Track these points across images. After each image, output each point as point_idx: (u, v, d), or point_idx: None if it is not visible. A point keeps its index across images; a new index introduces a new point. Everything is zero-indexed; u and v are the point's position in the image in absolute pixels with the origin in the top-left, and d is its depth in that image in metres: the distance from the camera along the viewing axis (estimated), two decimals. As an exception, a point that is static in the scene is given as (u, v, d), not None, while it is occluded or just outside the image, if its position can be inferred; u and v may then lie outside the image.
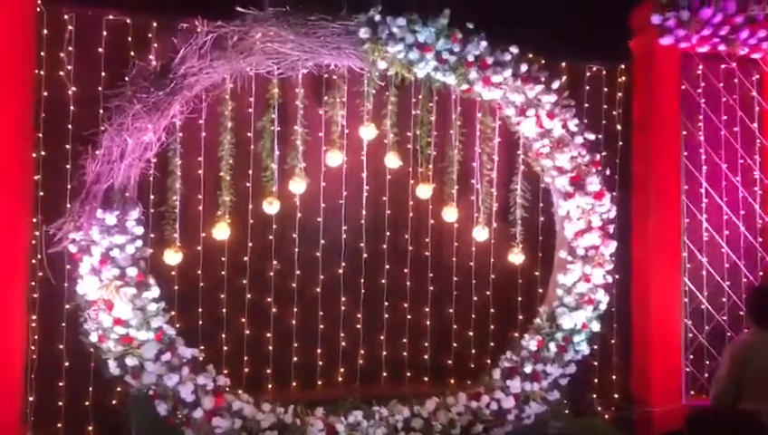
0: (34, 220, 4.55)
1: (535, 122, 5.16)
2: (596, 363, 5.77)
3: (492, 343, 5.60)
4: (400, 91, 5.27)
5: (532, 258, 5.66)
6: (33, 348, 4.60)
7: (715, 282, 5.67)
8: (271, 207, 4.98)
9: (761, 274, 5.77)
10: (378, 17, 4.80)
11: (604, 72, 5.85)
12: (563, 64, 5.73)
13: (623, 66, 5.82)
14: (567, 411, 5.60)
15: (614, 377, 5.76)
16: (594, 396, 5.76)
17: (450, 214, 5.36)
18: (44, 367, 4.64)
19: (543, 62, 5.54)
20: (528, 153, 5.40)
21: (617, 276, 5.66)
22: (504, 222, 5.55)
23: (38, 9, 4.60)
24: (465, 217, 5.48)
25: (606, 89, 5.85)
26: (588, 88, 5.81)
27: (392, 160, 5.23)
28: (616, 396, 5.72)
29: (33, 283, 4.58)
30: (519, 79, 5.07)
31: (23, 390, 4.47)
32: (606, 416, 5.68)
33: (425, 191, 5.32)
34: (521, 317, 5.61)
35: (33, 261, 4.54)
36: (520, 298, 5.67)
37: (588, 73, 5.83)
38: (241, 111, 5.00)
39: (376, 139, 5.24)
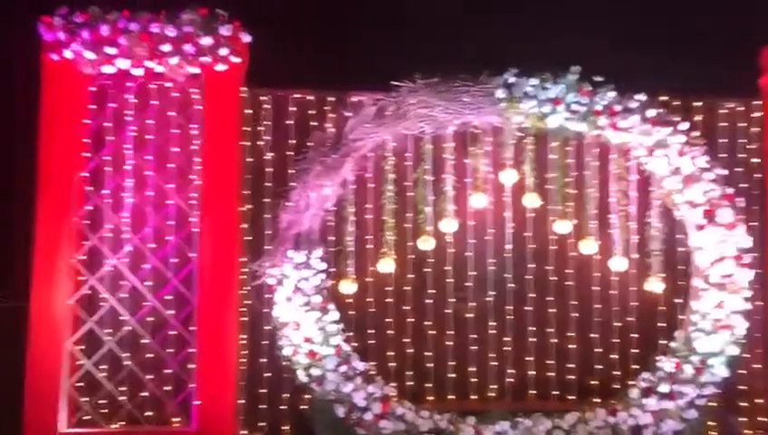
0: (242, 259, 5.78)
1: (665, 161, 5.63)
2: (744, 388, 6.00)
3: (635, 366, 6.00)
4: (538, 139, 5.95)
5: (672, 287, 6.04)
6: (243, 361, 5.80)
7: None
8: (426, 244, 5.87)
9: None
10: (512, 79, 5.59)
11: (740, 109, 6.15)
12: (699, 104, 6.12)
13: (758, 102, 6.07)
14: (713, 434, 5.89)
15: (761, 401, 5.93)
16: (744, 419, 5.97)
17: (587, 246, 5.93)
18: (251, 375, 5.82)
19: (679, 102, 6.03)
20: (660, 189, 5.85)
21: (761, 303, 5.89)
22: (643, 253, 6.00)
23: (242, 94, 5.88)
24: (605, 249, 6.00)
25: (743, 124, 6.13)
26: (725, 124, 6.14)
27: (531, 200, 5.92)
28: (763, 420, 5.88)
29: (243, 309, 5.80)
30: (647, 122, 5.58)
31: (236, 393, 5.65)
32: (753, 439, 5.88)
33: (563, 227, 5.94)
34: (662, 342, 5.97)
35: (243, 291, 5.76)
36: (662, 324, 6.05)
37: (724, 111, 6.15)
38: (400, 165, 5.94)
39: (518, 182, 5.96)
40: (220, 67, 5.49)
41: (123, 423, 5.51)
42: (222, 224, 5.55)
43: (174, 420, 5.54)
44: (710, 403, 5.72)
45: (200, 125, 5.61)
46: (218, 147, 5.58)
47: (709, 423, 5.83)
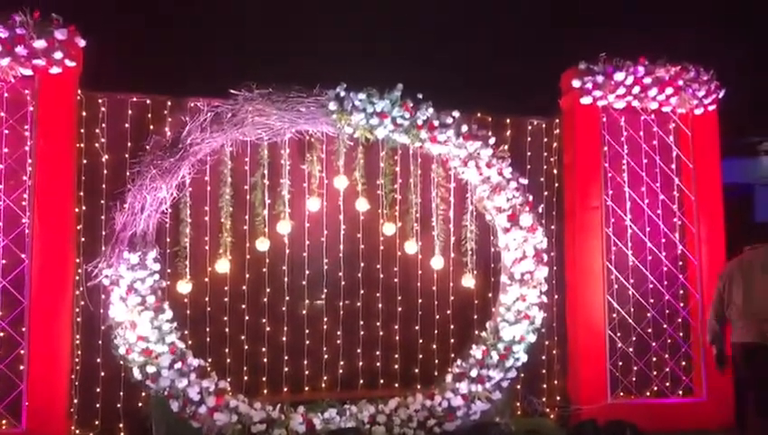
0: (77, 260, 5.83)
1: (476, 171, 6.32)
2: (543, 371, 6.85)
3: (452, 354, 6.67)
4: (368, 149, 6.45)
5: (485, 283, 6.78)
6: (77, 360, 5.86)
7: (637, 300, 6.68)
8: (262, 245, 6.20)
9: (680, 292, 6.78)
10: (343, 93, 6.04)
11: (543, 125, 7.00)
12: (508, 121, 6.90)
13: (557, 120, 6.94)
14: (519, 412, 6.69)
15: (556, 382, 6.80)
16: (543, 399, 6.81)
17: (411, 247, 6.52)
18: (86, 375, 5.90)
19: (490, 118, 6.78)
20: (474, 196, 6.55)
21: (556, 296, 6.78)
22: (460, 253, 6.68)
23: (78, 96, 5.92)
24: (427, 249, 6.62)
25: (545, 139, 7.00)
26: (530, 139, 6.97)
27: (362, 204, 6.42)
28: (558, 398, 6.74)
29: (77, 309, 5.85)
30: (461, 137, 6.25)
31: (68, 393, 5.68)
32: (551, 416, 6.72)
33: (390, 229, 6.50)
34: (476, 332, 6.66)
35: (77, 292, 5.81)
36: (476, 316, 6.78)
37: (530, 127, 6.98)
38: (238, 170, 6.23)
39: (350, 187, 6.43)
40: (54, 70, 5.51)
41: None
42: (55, 225, 5.57)
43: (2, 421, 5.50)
44: (515, 385, 6.54)
45: (33, 126, 5.61)
46: (52, 148, 5.58)
47: (514, 404, 6.63)
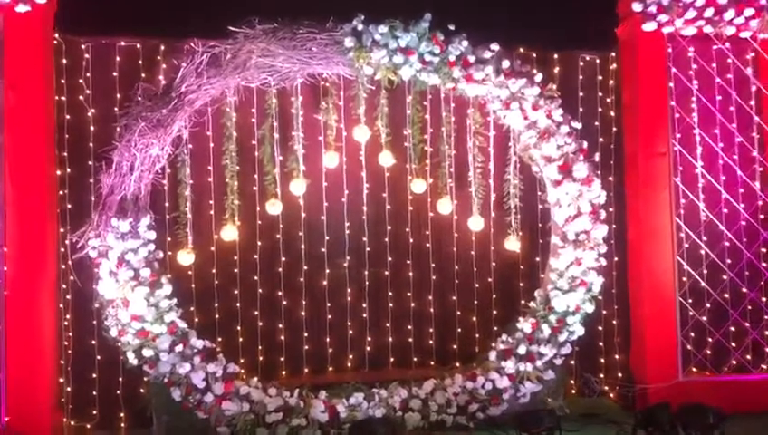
0: (62, 230, 5.11)
1: (520, 115, 5.39)
2: (601, 344, 5.98)
3: (496, 328, 5.83)
4: (393, 93, 5.56)
5: (532, 245, 5.90)
6: (67, 344, 5.17)
7: (713, 261, 5.73)
8: (274, 208, 5.39)
9: (762, 250, 5.80)
10: (361, 26, 5.14)
11: (597, 61, 6.02)
12: (555, 56, 5.94)
13: (614, 54, 5.95)
14: (574, 392, 5.85)
15: (617, 357, 5.92)
16: (601, 376, 5.95)
17: (445, 206, 5.65)
18: (79, 360, 5.23)
19: (535, 54, 5.83)
20: (518, 144, 5.63)
21: (616, 259, 5.86)
22: (501, 211, 5.79)
23: (56, 41, 5.14)
24: (464, 208, 5.75)
25: (599, 77, 6.02)
26: (582, 77, 6.00)
27: (387, 158, 5.56)
28: (619, 375, 5.87)
29: (65, 286, 5.14)
30: (502, 74, 5.30)
31: (56, 381, 5.02)
32: (611, 395, 5.87)
33: (419, 186, 5.63)
34: (522, 302, 5.80)
35: (63, 266, 5.10)
36: (521, 284, 5.92)
37: (581, 63, 6.00)
38: (243, 122, 5.43)
39: (372, 139, 5.57)
40: (21, 8, 4.73)
41: None
42: (31, 189, 4.84)
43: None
44: (570, 362, 5.70)
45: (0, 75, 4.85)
46: (23, 101, 4.83)
47: (568, 382, 5.79)
